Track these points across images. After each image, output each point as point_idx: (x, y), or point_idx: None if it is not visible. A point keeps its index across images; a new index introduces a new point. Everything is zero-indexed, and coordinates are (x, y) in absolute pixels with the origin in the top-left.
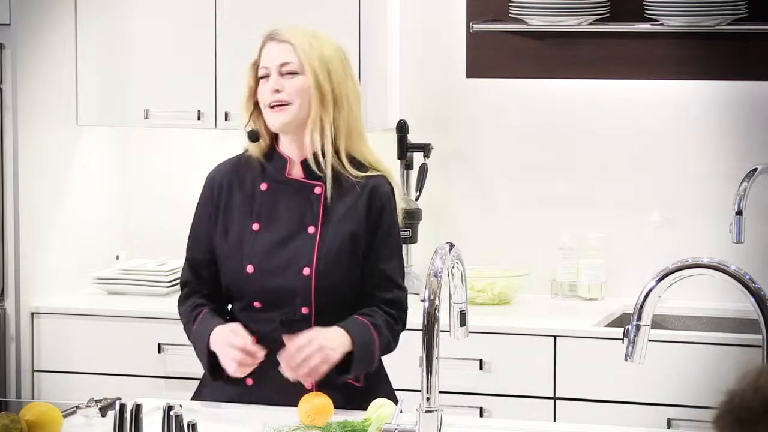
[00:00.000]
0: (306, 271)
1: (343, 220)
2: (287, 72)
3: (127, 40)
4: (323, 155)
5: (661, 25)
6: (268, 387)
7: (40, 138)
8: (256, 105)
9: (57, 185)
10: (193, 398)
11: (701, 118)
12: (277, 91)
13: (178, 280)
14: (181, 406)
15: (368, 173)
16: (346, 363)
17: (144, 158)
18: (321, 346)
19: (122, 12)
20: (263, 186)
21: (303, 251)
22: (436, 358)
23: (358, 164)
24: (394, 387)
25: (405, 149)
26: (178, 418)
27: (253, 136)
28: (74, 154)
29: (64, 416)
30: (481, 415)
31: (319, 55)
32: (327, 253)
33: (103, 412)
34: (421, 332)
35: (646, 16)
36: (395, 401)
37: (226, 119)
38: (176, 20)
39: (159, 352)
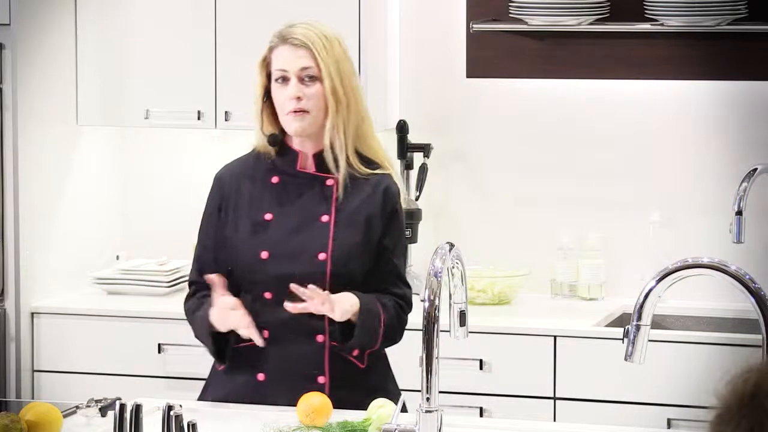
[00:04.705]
0: (321, 256)
1: (357, 211)
2: (307, 77)
3: (127, 40)
4: (339, 153)
5: (661, 25)
6: (279, 383)
7: (40, 138)
8: (267, 98)
9: (57, 185)
10: (201, 397)
11: (701, 118)
12: (299, 98)
13: (178, 280)
14: (181, 406)
15: (376, 171)
16: (349, 331)
17: (144, 158)
18: (329, 296)
19: (122, 12)
20: (274, 179)
21: (317, 238)
22: (436, 358)
23: (367, 161)
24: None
25: (405, 149)
26: (178, 418)
27: (275, 141)
28: (74, 154)
29: (64, 416)
30: (481, 415)
31: (334, 59)
32: (342, 240)
33: (103, 412)
34: (421, 332)
35: (646, 16)
36: (398, 392)
37: (226, 119)
38: (176, 20)
39: (159, 352)
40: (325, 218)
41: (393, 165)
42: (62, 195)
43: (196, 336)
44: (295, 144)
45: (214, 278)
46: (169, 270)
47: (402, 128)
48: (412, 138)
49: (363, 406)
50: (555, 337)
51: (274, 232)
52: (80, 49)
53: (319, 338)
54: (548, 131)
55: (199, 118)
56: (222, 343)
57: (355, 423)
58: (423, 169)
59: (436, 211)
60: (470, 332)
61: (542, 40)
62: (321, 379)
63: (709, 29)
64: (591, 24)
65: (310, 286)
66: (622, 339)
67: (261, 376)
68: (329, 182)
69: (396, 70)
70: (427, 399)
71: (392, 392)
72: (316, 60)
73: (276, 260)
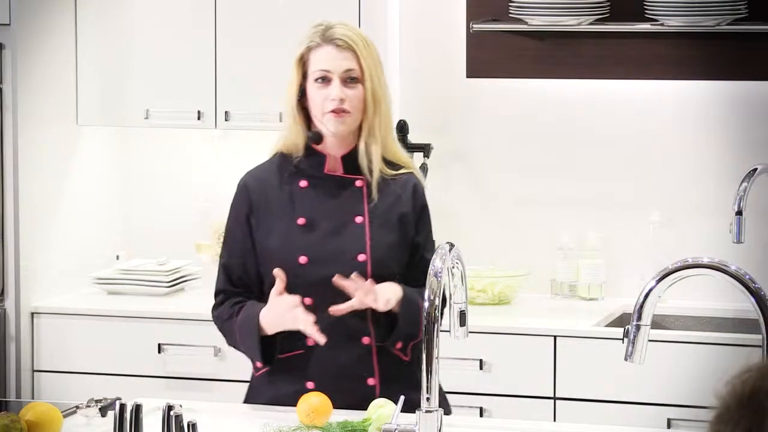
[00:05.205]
0: (361, 257)
1: (389, 211)
2: (349, 78)
3: (127, 40)
4: (374, 155)
5: (661, 25)
6: (329, 389)
7: (40, 138)
8: (302, 96)
9: (57, 185)
10: (246, 400)
11: (701, 118)
12: (342, 99)
13: (178, 280)
14: (181, 406)
15: (401, 171)
16: (391, 325)
17: (144, 158)
18: (372, 285)
19: (122, 12)
20: (303, 183)
21: (355, 239)
22: (436, 358)
23: (388, 162)
24: None
25: (405, 149)
26: (178, 418)
27: (317, 139)
28: (74, 154)
29: (64, 416)
30: (481, 415)
31: (373, 61)
32: (379, 240)
33: (103, 412)
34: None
35: (646, 16)
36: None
37: (226, 119)
38: (176, 20)
39: (159, 352)
40: (359, 219)
41: (414, 164)
42: (62, 195)
43: (232, 342)
44: (324, 146)
45: (281, 273)
46: (169, 270)
47: (402, 128)
48: (412, 138)
49: (412, 402)
50: (555, 337)
51: (310, 236)
52: (80, 49)
53: (365, 340)
54: (548, 131)
55: (199, 118)
56: (266, 346)
57: (355, 423)
58: (423, 169)
59: (436, 211)
60: (470, 332)
61: (542, 40)
62: (371, 381)
63: (709, 29)
64: (591, 24)
65: (354, 274)
66: (622, 339)
67: (310, 384)
68: (358, 183)
69: (396, 70)
70: (427, 399)
71: None
72: (360, 62)
73: (315, 264)
